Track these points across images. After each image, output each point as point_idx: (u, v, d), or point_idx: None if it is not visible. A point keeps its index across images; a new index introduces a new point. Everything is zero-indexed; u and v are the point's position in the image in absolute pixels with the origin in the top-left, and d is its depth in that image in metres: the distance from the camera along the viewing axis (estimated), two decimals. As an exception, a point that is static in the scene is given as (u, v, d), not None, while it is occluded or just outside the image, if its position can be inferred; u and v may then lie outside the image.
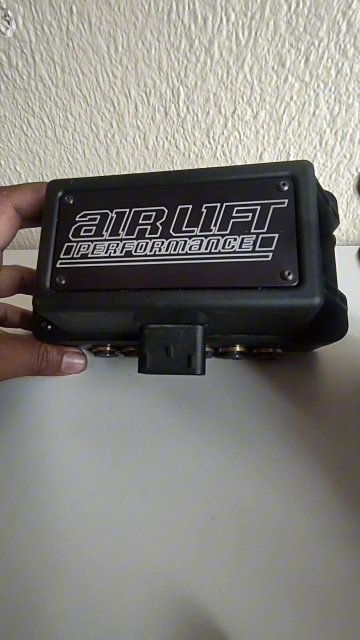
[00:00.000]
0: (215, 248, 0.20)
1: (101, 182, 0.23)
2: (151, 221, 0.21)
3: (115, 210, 0.22)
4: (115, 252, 0.21)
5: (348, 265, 0.25)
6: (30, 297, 0.23)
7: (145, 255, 0.21)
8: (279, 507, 0.23)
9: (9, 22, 0.33)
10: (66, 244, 0.22)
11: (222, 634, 0.20)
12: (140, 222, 0.21)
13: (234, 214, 0.20)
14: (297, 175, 0.20)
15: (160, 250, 0.20)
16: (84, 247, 0.21)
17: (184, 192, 0.21)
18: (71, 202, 0.22)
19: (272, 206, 0.20)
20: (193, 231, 0.20)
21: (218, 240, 0.20)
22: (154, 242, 0.21)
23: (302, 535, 0.22)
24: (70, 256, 0.22)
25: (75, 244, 0.22)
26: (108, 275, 0.21)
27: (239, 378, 0.28)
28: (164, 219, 0.21)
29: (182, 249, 0.20)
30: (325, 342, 0.25)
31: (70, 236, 0.22)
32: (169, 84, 0.35)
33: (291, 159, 0.38)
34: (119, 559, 0.22)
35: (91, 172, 0.43)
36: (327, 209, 0.23)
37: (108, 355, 0.28)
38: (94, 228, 0.22)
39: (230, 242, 0.20)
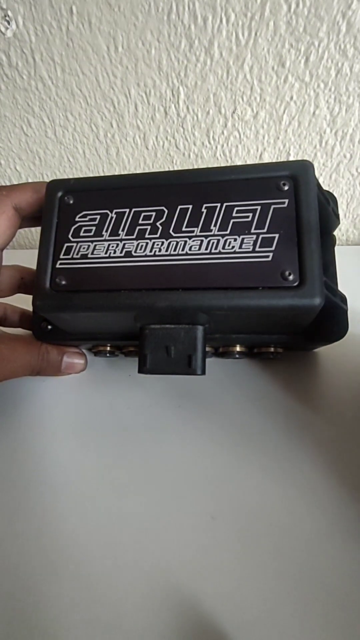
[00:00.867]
0: (216, 248, 0.20)
1: (101, 182, 0.23)
2: (151, 221, 0.21)
3: (115, 211, 0.22)
4: (115, 252, 0.21)
5: (348, 265, 0.25)
6: (30, 297, 0.23)
7: (146, 256, 0.21)
8: (279, 507, 0.23)
9: (9, 22, 0.33)
10: (66, 244, 0.22)
11: (222, 634, 0.20)
12: (140, 222, 0.21)
13: (234, 214, 0.20)
14: (298, 175, 0.20)
15: (160, 250, 0.20)
16: (84, 248, 0.21)
17: (184, 192, 0.21)
18: (71, 202, 0.22)
19: (273, 206, 0.20)
20: (193, 231, 0.20)
21: (218, 240, 0.20)
22: (154, 243, 0.21)
23: (303, 534, 0.22)
24: (70, 256, 0.22)
25: (75, 244, 0.22)
26: (108, 275, 0.21)
27: (239, 378, 0.28)
28: (164, 219, 0.21)
29: (182, 249, 0.20)
30: (325, 342, 0.25)
31: (70, 236, 0.22)
32: (168, 84, 0.35)
33: (291, 158, 0.38)
34: (119, 558, 0.23)
35: (91, 172, 0.43)
36: (327, 209, 0.23)
37: (108, 355, 0.28)
38: (93, 228, 0.22)
39: (230, 242, 0.20)
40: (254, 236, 0.20)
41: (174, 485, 0.25)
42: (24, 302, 0.29)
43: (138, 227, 0.21)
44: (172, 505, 0.24)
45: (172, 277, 0.20)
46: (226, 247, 0.20)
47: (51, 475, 0.26)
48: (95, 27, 0.33)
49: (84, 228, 0.22)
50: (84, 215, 0.22)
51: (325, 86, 0.33)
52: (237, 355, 0.26)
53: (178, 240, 0.20)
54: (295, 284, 0.19)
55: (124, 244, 0.21)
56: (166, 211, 0.21)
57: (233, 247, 0.20)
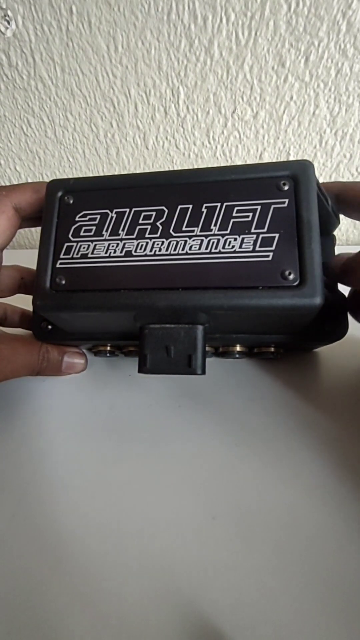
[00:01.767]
0: (216, 248, 0.20)
1: (101, 182, 0.23)
2: (151, 221, 0.21)
3: (115, 210, 0.22)
4: (115, 252, 0.21)
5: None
6: (30, 297, 0.23)
7: (146, 255, 0.20)
8: (279, 507, 0.23)
9: (8, 22, 0.33)
10: (66, 244, 0.22)
11: (223, 633, 0.20)
12: (140, 222, 0.21)
13: (234, 214, 0.20)
14: (298, 175, 0.20)
15: (160, 250, 0.20)
16: (84, 247, 0.21)
17: (184, 191, 0.21)
18: (71, 202, 0.22)
19: (273, 206, 0.20)
20: (193, 231, 0.20)
21: (218, 240, 0.20)
22: (154, 242, 0.21)
23: (304, 534, 0.22)
24: (70, 256, 0.21)
25: (75, 244, 0.22)
26: (108, 275, 0.21)
27: (239, 377, 0.28)
28: (164, 218, 0.21)
29: (182, 249, 0.20)
30: (325, 342, 0.25)
31: (70, 236, 0.22)
32: (168, 84, 0.35)
33: (291, 158, 0.38)
34: (120, 558, 0.22)
35: (91, 172, 0.43)
36: (327, 209, 0.23)
37: (108, 355, 0.28)
38: (94, 228, 0.22)
39: (230, 242, 0.20)
40: (254, 236, 0.19)
41: (174, 485, 0.25)
42: (23, 302, 0.29)
43: (138, 227, 0.21)
44: (172, 505, 0.24)
45: (172, 277, 0.20)
46: (226, 246, 0.20)
47: (51, 475, 0.26)
48: (95, 27, 0.33)
49: (84, 228, 0.22)
50: (84, 215, 0.22)
51: (325, 86, 0.33)
52: (237, 355, 0.26)
53: (178, 239, 0.20)
54: (296, 284, 0.18)
55: (124, 244, 0.21)
56: (166, 211, 0.21)
57: (233, 246, 0.20)
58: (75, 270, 0.21)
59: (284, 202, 0.20)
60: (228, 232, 0.20)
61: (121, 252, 0.21)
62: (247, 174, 0.21)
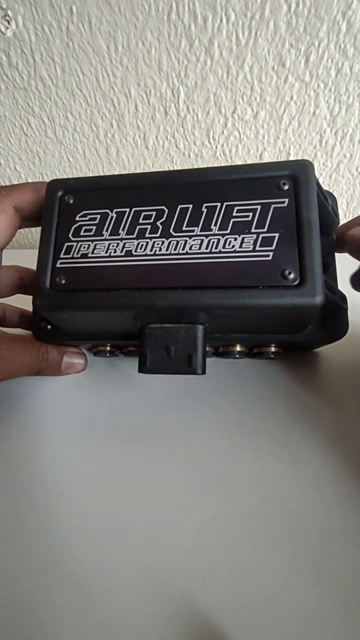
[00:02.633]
0: (216, 247, 0.20)
1: (101, 182, 0.23)
2: (151, 221, 0.21)
3: (115, 210, 0.22)
4: (115, 251, 0.21)
5: (348, 265, 0.25)
6: (29, 297, 0.23)
7: (146, 255, 0.20)
8: (280, 507, 0.23)
9: (9, 22, 0.33)
10: (66, 244, 0.22)
11: (224, 636, 0.20)
12: (141, 221, 0.21)
13: (234, 214, 0.20)
14: (298, 174, 0.20)
15: (160, 249, 0.20)
16: (84, 247, 0.21)
17: (184, 191, 0.21)
18: (71, 201, 0.22)
19: (273, 206, 0.20)
20: (193, 231, 0.20)
21: (218, 239, 0.20)
22: (154, 242, 0.21)
23: (304, 534, 0.22)
24: (70, 256, 0.21)
25: (75, 244, 0.22)
26: (108, 274, 0.21)
27: (239, 378, 0.28)
28: (164, 218, 0.21)
29: (183, 249, 0.20)
30: (325, 342, 0.25)
31: (70, 236, 0.22)
32: (169, 84, 0.35)
33: (291, 158, 0.38)
34: (119, 559, 0.22)
35: (91, 172, 0.43)
36: (327, 209, 0.23)
37: (108, 355, 0.28)
38: (94, 228, 0.22)
39: (230, 241, 0.20)
40: (254, 235, 0.19)
41: (174, 486, 0.24)
42: (23, 302, 0.29)
43: (138, 227, 0.21)
44: (172, 506, 0.24)
45: (172, 277, 0.20)
46: (226, 246, 0.20)
47: (51, 475, 0.26)
48: (96, 27, 0.33)
49: (84, 227, 0.22)
50: (84, 215, 0.22)
51: (325, 86, 0.33)
52: (237, 355, 0.26)
53: (178, 239, 0.20)
54: (296, 283, 0.18)
55: (124, 244, 0.21)
56: (166, 211, 0.21)
57: (233, 246, 0.20)
58: (76, 270, 0.21)
59: (284, 202, 0.20)
60: (228, 231, 0.20)
61: (121, 251, 0.21)
62: (247, 174, 0.21)
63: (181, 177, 0.22)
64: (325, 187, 0.39)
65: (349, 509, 0.22)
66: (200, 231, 0.20)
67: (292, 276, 0.19)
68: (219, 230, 0.20)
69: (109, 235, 0.21)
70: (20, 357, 0.25)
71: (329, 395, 0.27)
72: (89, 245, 0.21)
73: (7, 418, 0.29)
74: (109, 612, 0.21)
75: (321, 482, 0.23)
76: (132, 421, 0.28)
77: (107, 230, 0.21)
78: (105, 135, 0.40)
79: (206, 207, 0.20)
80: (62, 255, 0.22)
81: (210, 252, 0.20)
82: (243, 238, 0.20)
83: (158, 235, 0.21)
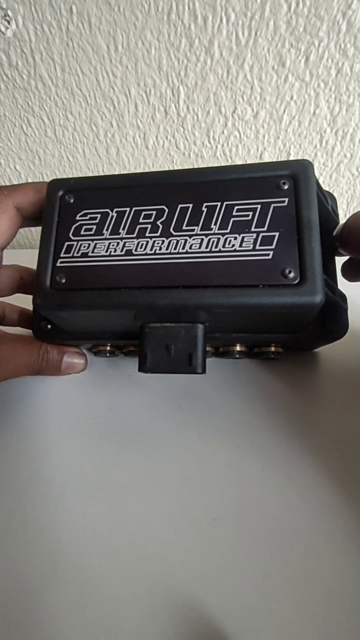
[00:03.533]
0: (216, 247, 0.20)
1: (102, 182, 0.23)
2: (152, 220, 0.21)
3: (115, 209, 0.22)
4: (115, 250, 0.21)
5: (348, 264, 0.25)
6: (29, 296, 0.23)
7: (146, 254, 0.20)
8: (280, 508, 0.23)
9: (9, 22, 0.33)
10: (67, 243, 0.22)
11: (224, 636, 0.20)
12: (141, 221, 0.21)
13: (234, 213, 0.20)
14: (298, 174, 0.20)
15: (160, 249, 0.20)
16: (84, 246, 0.21)
17: (185, 191, 0.21)
18: (72, 201, 0.22)
19: (273, 205, 0.20)
20: (193, 230, 0.20)
21: (218, 239, 0.20)
22: (154, 241, 0.21)
23: (304, 535, 0.22)
24: (70, 255, 0.21)
25: (75, 243, 0.22)
26: (108, 273, 0.21)
27: (240, 378, 0.28)
28: (164, 218, 0.21)
29: (183, 248, 0.20)
30: (326, 342, 0.25)
31: (70, 235, 0.22)
32: (169, 84, 0.35)
33: (292, 158, 0.38)
34: (119, 559, 0.22)
35: (91, 172, 0.43)
36: (327, 209, 0.23)
37: (108, 355, 0.28)
38: (94, 227, 0.22)
39: (230, 240, 0.20)
40: (254, 234, 0.19)
41: (175, 486, 0.24)
42: (23, 302, 0.29)
43: (139, 226, 0.21)
44: (172, 506, 0.24)
45: (172, 275, 0.20)
46: (226, 245, 0.20)
47: (51, 475, 0.26)
48: (95, 27, 0.33)
49: (84, 227, 0.22)
50: (85, 214, 0.22)
51: (325, 86, 0.33)
52: (237, 355, 0.26)
53: (178, 238, 0.20)
54: (296, 282, 0.18)
55: (125, 243, 0.21)
56: (167, 210, 0.21)
57: (233, 245, 0.20)
58: (76, 269, 0.21)
59: (284, 201, 0.20)
60: (228, 231, 0.20)
61: (121, 251, 0.21)
62: (247, 174, 0.21)
63: (181, 177, 0.22)
64: (325, 187, 0.39)
65: (348, 509, 0.22)
66: (201, 230, 0.20)
67: (292, 275, 0.19)
68: (219, 229, 0.20)
69: (109, 235, 0.21)
70: (21, 357, 0.25)
71: (329, 396, 0.27)
72: (89, 244, 0.21)
73: (7, 418, 0.29)
74: (109, 612, 0.21)
75: (321, 482, 0.23)
76: (132, 421, 0.28)
77: (107, 230, 0.21)
78: (105, 135, 0.40)
79: (206, 206, 0.20)
80: (62, 255, 0.22)
81: (211, 251, 0.20)
82: (243, 237, 0.19)
83: (158, 234, 0.21)
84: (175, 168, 0.41)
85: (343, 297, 0.24)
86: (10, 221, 0.24)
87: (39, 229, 0.23)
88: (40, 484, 0.26)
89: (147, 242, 0.21)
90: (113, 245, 0.21)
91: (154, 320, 0.21)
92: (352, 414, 0.26)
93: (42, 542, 0.23)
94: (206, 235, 0.20)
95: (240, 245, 0.19)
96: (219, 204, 0.20)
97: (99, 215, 0.22)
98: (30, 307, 0.27)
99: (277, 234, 0.19)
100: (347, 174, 0.38)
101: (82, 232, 0.22)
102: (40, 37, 0.34)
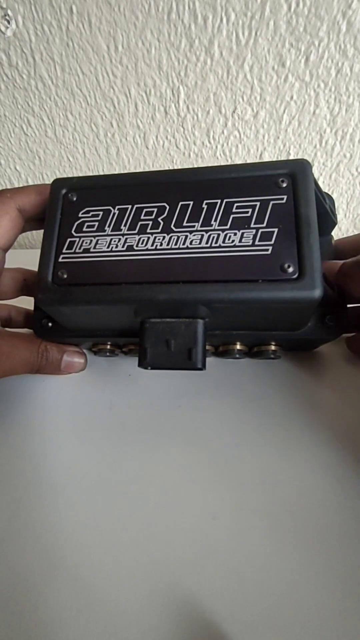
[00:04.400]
0: (216, 242, 0.20)
1: (104, 180, 0.23)
2: (153, 217, 0.21)
3: (117, 207, 0.22)
4: (117, 246, 0.21)
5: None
6: (33, 299, 0.23)
7: (147, 250, 0.21)
8: (280, 507, 0.23)
9: (9, 22, 0.34)
10: (69, 239, 0.22)
11: (223, 635, 0.20)
12: (142, 217, 0.21)
13: (234, 210, 0.20)
14: (296, 172, 0.20)
15: (161, 244, 0.20)
16: (86, 242, 0.22)
17: (185, 189, 0.21)
18: (74, 199, 0.23)
19: (271, 202, 0.20)
20: (194, 226, 0.20)
21: (218, 234, 0.20)
22: (155, 237, 0.21)
23: (304, 534, 0.22)
24: (72, 251, 0.22)
25: (77, 239, 0.22)
26: (110, 269, 0.21)
27: (239, 377, 0.28)
28: (165, 214, 0.21)
29: (183, 244, 0.20)
30: (326, 340, 0.25)
31: (73, 232, 0.22)
32: (169, 84, 0.35)
33: (291, 158, 0.38)
34: (119, 558, 0.22)
35: (91, 172, 0.43)
36: (325, 208, 0.23)
37: (108, 354, 0.28)
38: (96, 224, 0.22)
39: (230, 236, 0.20)
40: (254, 230, 0.20)
41: (174, 485, 0.24)
42: (27, 304, 0.29)
43: (140, 223, 0.21)
44: (172, 505, 0.24)
45: (172, 270, 0.20)
46: (226, 241, 0.20)
47: (51, 474, 0.26)
48: (96, 27, 0.33)
49: (86, 224, 0.22)
50: (87, 212, 0.22)
51: (325, 86, 0.33)
52: (237, 355, 0.26)
53: (179, 234, 0.20)
54: (295, 277, 0.19)
55: (126, 239, 0.21)
56: (167, 207, 0.21)
57: (233, 241, 0.20)
58: (78, 265, 0.21)
59: (282, 199, 0.20)
60: (228, 227, 0.20)
61: (123, 246, 0.21)
62: (246, 172, 0.21)
63: (182, 176, 0.22)
64: (325, 187, 0.39)
65: (350, 508, 0.22)
66: (201, 226, 0.20)
67: (291, 270, 0.19)
68: (219, 225, 0.20)
69: (111, 231, 0.21)
70: (21, 354, 0.25)
71: (329, 395, 0.27)
72: (91, 240, 0.21)
73: (7, 417, 0.29)
74: (109, 611, 0.21)
75: (322, 482, 0.23)
76: (132, 421, 0.27)
77: (109, 226, 0.22)
78: (105, 135, 0.40)
79: (206, 203, 0.21)
80: (64, 250, 0.22)
81: (211, 247, 0.20)
82: (242, 233, 0.20)
83: (159, 230, 0.21)
84: (176, 168, 0.41)
85: (342, 294, 0.24)
86: (12, 223, 0.24)
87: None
88: (40, 483, 0.25)
89: (149, 237, 0.21)
90: (115, 241, 0.21)
91: (154, 315, 0.21)
92: (352, 413, 0.26)
93: (42, 541, 0.23)
94: (206, 231, 0.20)
95: (240, 241, 0.20)
96: (219, 201, 0.21)
97: (101, 213, 0.22)
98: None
99: (276, 230, 0.19)
100: (347, 174, 0.38)
101: (84, 229, 0.22)
102: (41, 37, 0.34)
